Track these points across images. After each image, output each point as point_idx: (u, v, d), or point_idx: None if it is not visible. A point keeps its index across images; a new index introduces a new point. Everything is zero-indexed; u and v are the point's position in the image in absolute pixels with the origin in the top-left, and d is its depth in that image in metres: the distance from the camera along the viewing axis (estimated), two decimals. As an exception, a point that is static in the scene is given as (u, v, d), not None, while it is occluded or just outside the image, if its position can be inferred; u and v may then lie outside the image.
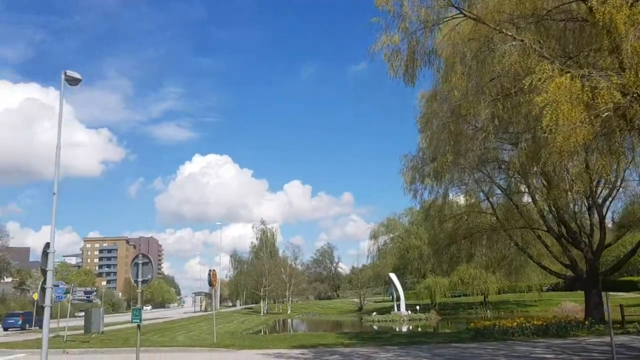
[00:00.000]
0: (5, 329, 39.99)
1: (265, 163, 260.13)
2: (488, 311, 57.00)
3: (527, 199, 24.73)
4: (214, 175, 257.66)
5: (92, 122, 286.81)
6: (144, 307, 54.81)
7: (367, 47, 14.93)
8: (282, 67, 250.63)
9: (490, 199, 25.76)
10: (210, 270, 23.14)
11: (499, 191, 25.13)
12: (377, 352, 18.24)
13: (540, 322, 21.26)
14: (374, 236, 67.04)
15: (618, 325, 21.34)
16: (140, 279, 11.95)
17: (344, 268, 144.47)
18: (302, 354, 18.50)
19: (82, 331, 30.70)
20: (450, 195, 25.37)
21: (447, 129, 20.25)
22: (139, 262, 11.94)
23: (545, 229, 23.34)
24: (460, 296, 65.93)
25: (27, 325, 39.85)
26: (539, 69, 9.77)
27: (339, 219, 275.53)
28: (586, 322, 20.91)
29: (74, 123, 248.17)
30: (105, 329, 38.69)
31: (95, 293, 69.15)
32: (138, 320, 12.04)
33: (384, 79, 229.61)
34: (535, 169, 16.82)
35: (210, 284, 22.99)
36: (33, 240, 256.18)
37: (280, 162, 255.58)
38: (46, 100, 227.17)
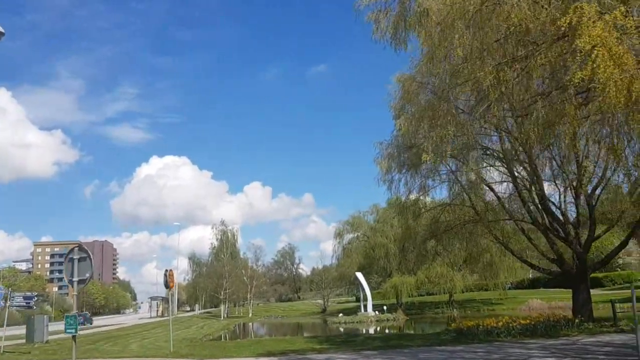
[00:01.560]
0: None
1: (225, 164, 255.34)
2: (455, 310, 55.97)
3: (509, 189, 23.24)
4: (171, 177, 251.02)
5: (45, 123, 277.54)
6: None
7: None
8: (242, 68, 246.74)
9: (469, 190, 24.17)
10: (166, 270, 20.68)
11: (476, 180, 23.53)
12: (356, 358, 16.27)
13: (527, 321, 19.72)
14: (339, 234, 65.29)
15: (610, 323, 20.05)
16: (75, 279, 9.46)
17: (305, 269, 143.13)
18: (271, 362, 16.36)
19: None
20: (427, 185, 23.63)
21: (427, 112, 18.52)
22: (75, 257, 9.39)
23: (530, 221, 21.90)
24: (424, 295, 64.86)
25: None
26: (573, 10, 8.00)
27: (300, 220, 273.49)
28: (576, 321, 19.49)
29: (26, 124, 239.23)
30: (52, 337, 35.42)
31: (36, 299, 65.16)
32: (73, 331, 9.62)
33: (347, 79, 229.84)
34: (541, 146, 15.09)
35: (167, 285, 20.52)
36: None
37: (240, 163, 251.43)
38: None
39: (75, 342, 9.91)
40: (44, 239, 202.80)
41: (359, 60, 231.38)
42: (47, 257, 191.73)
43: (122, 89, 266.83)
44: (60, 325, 59.89)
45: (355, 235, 66.09)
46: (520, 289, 63.71)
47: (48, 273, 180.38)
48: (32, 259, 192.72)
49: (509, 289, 60.30)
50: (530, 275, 66.19)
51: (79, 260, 9.33)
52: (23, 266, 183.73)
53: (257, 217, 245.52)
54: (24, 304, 25.46)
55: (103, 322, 69.86)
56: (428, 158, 13.21)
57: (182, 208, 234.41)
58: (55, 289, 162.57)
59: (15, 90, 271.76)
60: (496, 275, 45.59)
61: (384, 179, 24.00)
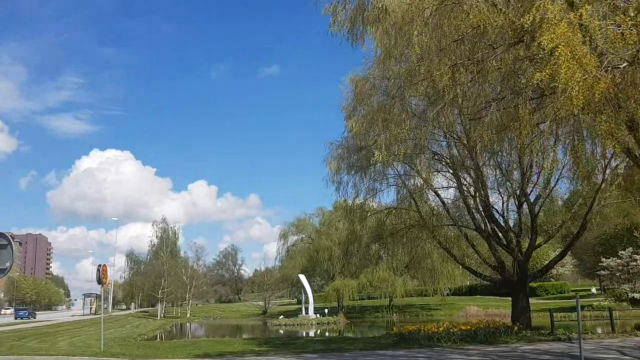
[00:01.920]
0: None
1: (170, 161, 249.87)
2: (394, 314, 56.60)
3: (455, 195, 23.44)
4: (113, 172, 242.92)
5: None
6: (5, 310, 48.61)
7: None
8: (191, 64, 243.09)
9: (415, 194, 24.22)
10: (99, 266, 19.56)
11: (422, 185, 23.61)
12: (296, 362, 15.83)
13: (468, 327, 19.84)
14: (284, 236, 64.83)
15: (547, 332, 20.43)
16: (-8, 268, 8.53)
17: (247, 271, 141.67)
18: (207, 364, 15.67)
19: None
20: (375, 189, 23.48)
21: (379, 114, 18.40)
22: None
23: (474, 227, 22.13)
24: (365, 299, 65.19)
25: None
26: (536, 8, 7.86)
27: (245, 221, 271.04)
28: (515, 328, 19.75)
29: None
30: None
31: None
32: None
33: (298, 80, 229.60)
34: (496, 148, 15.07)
35: (100, 281, 19.39)
36: None
37: (185, 160, 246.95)
38: None
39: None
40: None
41: (311, 63, 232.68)
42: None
43: (66, 78, 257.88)
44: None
45: (300, 237, 65.80)
46: (458, 295, 64.99)
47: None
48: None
49: (448, 295, 61.42)
50: (468, 283, 67.73)
51: (-1, 247, 8.43)
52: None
53: (200, 216, 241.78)
54: None
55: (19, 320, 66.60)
56: (380, 157, 12.96)
57: (122, 204, 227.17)
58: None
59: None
60: (437, 281, 46.32)
61: (333, 180, 23.77)
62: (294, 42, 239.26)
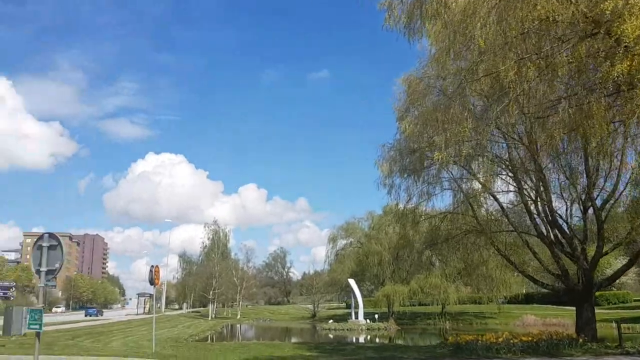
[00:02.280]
0: None
1: (222, 165, 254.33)
2: (447, 322, 55.15)
3: (514, 200, 22.34)
4: (167, 175, 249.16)
5: (44, 115, 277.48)
6: (56, 308, 50.14)
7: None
8: (244, 70, 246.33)
9: (472, 199, 23.28)
10: (152, 266, 19.64)
11: (480, 189, 22.63)
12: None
13: (529, 338, 18.79)
14: (333, 240, 64.35)
15: (615, 344, 19.15)
16: (44, 268, 8.43)
17: (296, 274, 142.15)
18: (257, 369, 15.38)
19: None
20: (429, 193, 22.66)
21: (434, 114, 17.70)
22: (44, 244, 8.35)
23: (535, 234, 21.02)
24: (415, 305, 63.92)
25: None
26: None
27: (293, 225, 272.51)
28: (580, 340, 18.57)
29: (24, 114, 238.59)
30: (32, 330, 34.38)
31: (13, 289, 64.00)
32: (37, 327, 8.65)
33: (348, 85, 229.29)
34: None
35: (152, 282, 19.47)
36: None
37: (237, 164, 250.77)
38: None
39: (38, 339, 8.93)
40: (35, 230, 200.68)
41: (361, 67, 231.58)
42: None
43: (123, 84, 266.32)
44: (46, 318, 59.34)
45: (349, 241, 65.21)
46: (513, 303, 62.57)
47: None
48: (22, 249, 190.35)
49: (503, 303, 59.32)
50: (524, 291, 65.30)
51: (49, 248, 8.32)
52: (12, 256, 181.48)
53: (250, 220, 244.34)
54: (1, 294, 24.35)
55: (89, 317, 68.87)
56: (440, 157, 12.26)
57: (175, 206, 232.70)
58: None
59: (15, 80, 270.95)
60: (494, 289, 44.68)
61: (384, 183, 23.05)
62: (344, 48, 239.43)
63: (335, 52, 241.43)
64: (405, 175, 22.66)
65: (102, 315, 64.51)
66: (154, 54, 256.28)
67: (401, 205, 24.61)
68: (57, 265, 8.40)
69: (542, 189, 19.82)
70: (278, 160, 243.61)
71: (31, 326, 8.48)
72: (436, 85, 19.25)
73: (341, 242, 65.11)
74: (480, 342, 18.95)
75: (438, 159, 12.17)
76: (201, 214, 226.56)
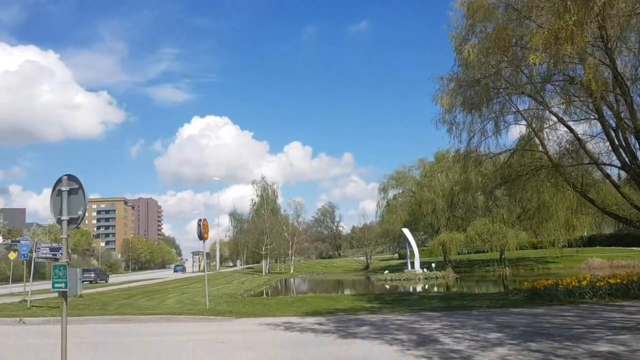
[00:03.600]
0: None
1: (266, 124, 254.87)
2: (506, 268, 53.11)
3: (593, 130, 19.84)
4: (213, 137, 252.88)
5: (92, 85, 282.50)
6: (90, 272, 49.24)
7: None
8: (281, 27, 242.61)
9: (540, 133, 20.94)
10: (199, 220, 18.56)
11: (553, 119, 20.21)
12: (418, 321, 13.88)
13: (617, 280, 16.81)
14: (383, 190, 62.35)
15: None
16: (65, 217, 7.10)
17: (345, 228, 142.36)
18: (319, 323, 14.14)
19: (57, 295, 26.39)
20: (497, 127, 20.39)
21: (505, 31, 15.49)
22: (64, 188, 6.95)
23: (619, 164, 18.67)
24: (471, 253, 61.99)
25: None
26: None
27: (339, 180, 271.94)
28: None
29: (74, 85, 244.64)
30: (91, 290, 34.72)
31: (61, 252, 65.59)
32: (63, 285, 7.45)
33: (388, 37, 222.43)
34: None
35: (201, 237, 18.44)
36: (35, 202, 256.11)
37: (280, 123, 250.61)
38: (45, 63, 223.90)
39: (65, 300, 7.74)
40: (92, 197, 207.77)
41: (401, 16, 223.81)
42: (94, 214, 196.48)
43: (163, 50, 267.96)
44: (110, 279, 60.38)
45: (401, 190, 63.11)
46: (574, 247, 59.57)
47: (95, 229, 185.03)
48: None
49: (564, 246, 56.50)
50: (586, 233, 62.08)
51: (69, 192, 6.97)
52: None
53: (297, 177, 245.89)
54: (50, 255, 24.27)
55: (143, 276, 70.47)
56: (537, 60, 10.10)
57: (224, 167, 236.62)
58: (103, 244, 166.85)
59: (62, 53, 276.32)
60: (557, 231, 42.27)
61: (444, 120, 20.80)
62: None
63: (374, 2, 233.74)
64: (468, 110, 20.46)
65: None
66: (191, 18, 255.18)
67: (463, 145, 22.48)
68: (79, 213, 7.07)
69: (629, 112, 17.35)
70: (321, 116, 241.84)
71: (55, 286, 7.22)
72: (502, 1, 16.86)
73: (392, 192, 63.13)
74: (560, 286, 17.15)
75: (534, 62, 10.03)
76: (249, 174, 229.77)
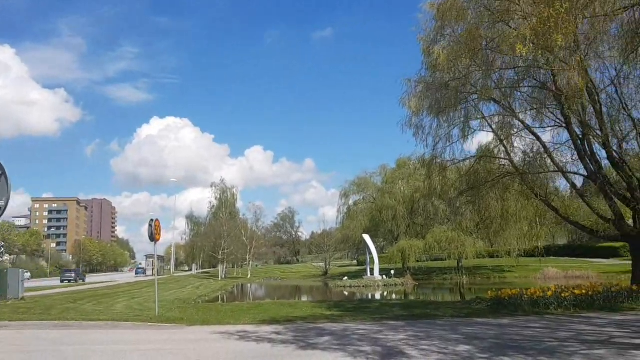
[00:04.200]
0: None
1: (227, 128, 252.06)
2: (464, 276, 53.35)
3: (558, 136, 19.66)
4: (172, 139, 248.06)
5: (48, 81, 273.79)
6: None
7: None
8: (245, 30, 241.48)
9: (505, 140, 20.75)
10: (151, 220, 17.38)
11: (518, 126, 19.99)
12: (381, 331, 13.14)
13: (582, 291, 16.52)
14: (345, 195, 62.11)
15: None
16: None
17: (304, 234, 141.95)
18: (276, 332, 13.24)
19: (-5, 298, 24.53)
20: (465, 131, 20.01)
21: (476, 32, 15.07)
22: None
23: (586, 173, 18.53)
24: (427, 261, 62.08)
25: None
26: None
27: (300, 185, 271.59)
28: (634, 290, 16.33)
29: (29, 82, 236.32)
30: (33, 294, 32.61)
31: (2, 248, 62.72)
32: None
33: (353, 44, 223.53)
34: None
35: (152, 238, 17.23)
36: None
37: (242, 127, 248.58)
38: (1, 57, 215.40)
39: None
40: (44, 196, 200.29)
41: (368, 21, 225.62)
42: (45, 214, 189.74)
43: (123, 48, 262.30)
44: (54, 281, 57.79)
45: (362, 196, 62.95)
46: (531, 256, 60.32)
47: (46, 229, 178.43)
48: (30, 214, 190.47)
49: (520, 256, 57.21)
50: (540, 244, 63.05)
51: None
52: (22, 222, 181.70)
53: (257, 181, 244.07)
54: None
55: (97, 279, 67.72)
56: (525, 50, 9.49)
57: (183, 170, 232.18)
58: (53, 245, 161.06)
59: (18, 48, 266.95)
60: (520, 239, 42.64)
61: (411, 124, 20.36)
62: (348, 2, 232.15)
63: (338, 6, 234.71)
64: (435, 114, 20.04)
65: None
66: (153, 17, 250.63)
67: (428, 150, 22.07)
68: (2, 203, 6.03)
69: (597, 122, 17.20)
70: (283, 122, 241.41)
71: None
72: (474, 2, 16.48)
73: (353, 198, 62.93)
74: (525, 296, 16.75)
75: (520, 53, 9.42)
76: (209, 177, 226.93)
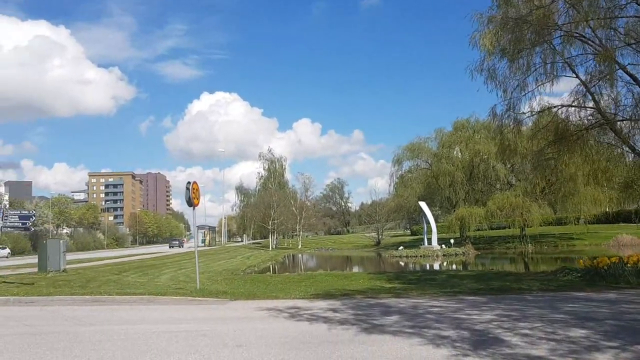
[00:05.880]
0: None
1: (275, 101, 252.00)
2: (528, 245, 49.96)
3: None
4: (222, 113, 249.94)
5: (102, 60, 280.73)
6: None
7: None
8: (292, 2, 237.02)
9: (592, 87, 17.61)
10: (188, 183, 15.47)
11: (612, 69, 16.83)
12: (461, 308, 10.81)
13: (701, 259, 13.65)
14: (397, 162, 58.86)
15: None
16: None
17: (354, 204, 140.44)
18: (332, 309, 11.14)
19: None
20: (549, 73, 17.00)
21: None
22: None
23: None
24: (487, 229, 58.82)
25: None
26: None
27: (348, 157, 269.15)
28: None
29: (85, 61, 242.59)
30: (81, 265, 31.86)
31: (34, 218, 62.78)
32: None
33: (399, 10, 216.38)
34: None
35: (190, 203, 15.35)
36: (46, 177, 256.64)
37: (290, 100, 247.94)
38: (57, 38, 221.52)
39: None
40: (103, 171, 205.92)
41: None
42: (102, 188, 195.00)
43: (171, 25, 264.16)
44: (109, 253, 58.57)
45: (416, 163, 59.60)
46: (599, 223, 55.80)
47: (103, 203, 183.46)
48: (87, 189, 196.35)
49: (589, 223, 53.05)
50: (612, 209, 58.43)
51: None
52: (81, 196, 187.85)
53: (305, 154, 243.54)
54: (20, 224, 22.26)
55: (143, 250, 68.31)
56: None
57: (233, 144, 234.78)
58: (110, 217, 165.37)
59: (73, 29, 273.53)
60: (578, 207, 39.41)
61: (482, 68, 17.39)
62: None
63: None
64: (510, 56, 17.07)
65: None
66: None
67: (499, 100, 19.08)
68: None
69: None
70: (331, 94, 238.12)
71: None
72: None
73: (407, 164, 59.60)
74: (628, 265, 13.99)
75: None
76: (258, 151, 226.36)
